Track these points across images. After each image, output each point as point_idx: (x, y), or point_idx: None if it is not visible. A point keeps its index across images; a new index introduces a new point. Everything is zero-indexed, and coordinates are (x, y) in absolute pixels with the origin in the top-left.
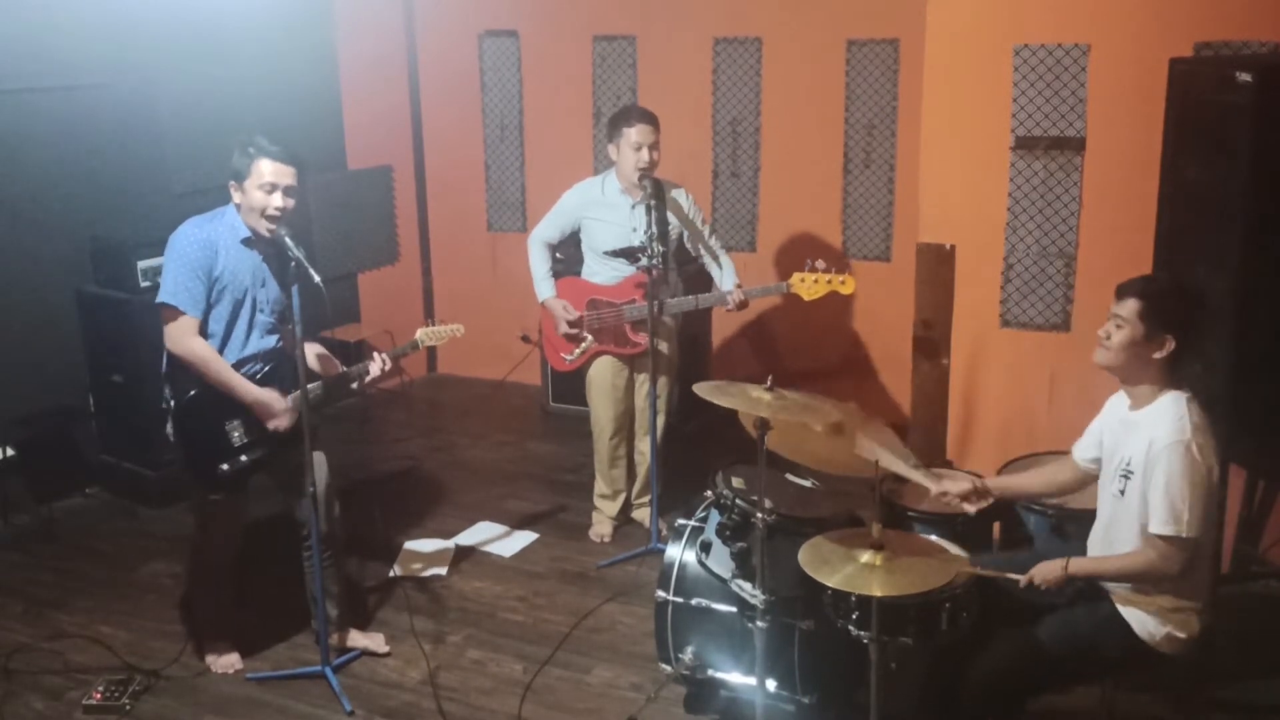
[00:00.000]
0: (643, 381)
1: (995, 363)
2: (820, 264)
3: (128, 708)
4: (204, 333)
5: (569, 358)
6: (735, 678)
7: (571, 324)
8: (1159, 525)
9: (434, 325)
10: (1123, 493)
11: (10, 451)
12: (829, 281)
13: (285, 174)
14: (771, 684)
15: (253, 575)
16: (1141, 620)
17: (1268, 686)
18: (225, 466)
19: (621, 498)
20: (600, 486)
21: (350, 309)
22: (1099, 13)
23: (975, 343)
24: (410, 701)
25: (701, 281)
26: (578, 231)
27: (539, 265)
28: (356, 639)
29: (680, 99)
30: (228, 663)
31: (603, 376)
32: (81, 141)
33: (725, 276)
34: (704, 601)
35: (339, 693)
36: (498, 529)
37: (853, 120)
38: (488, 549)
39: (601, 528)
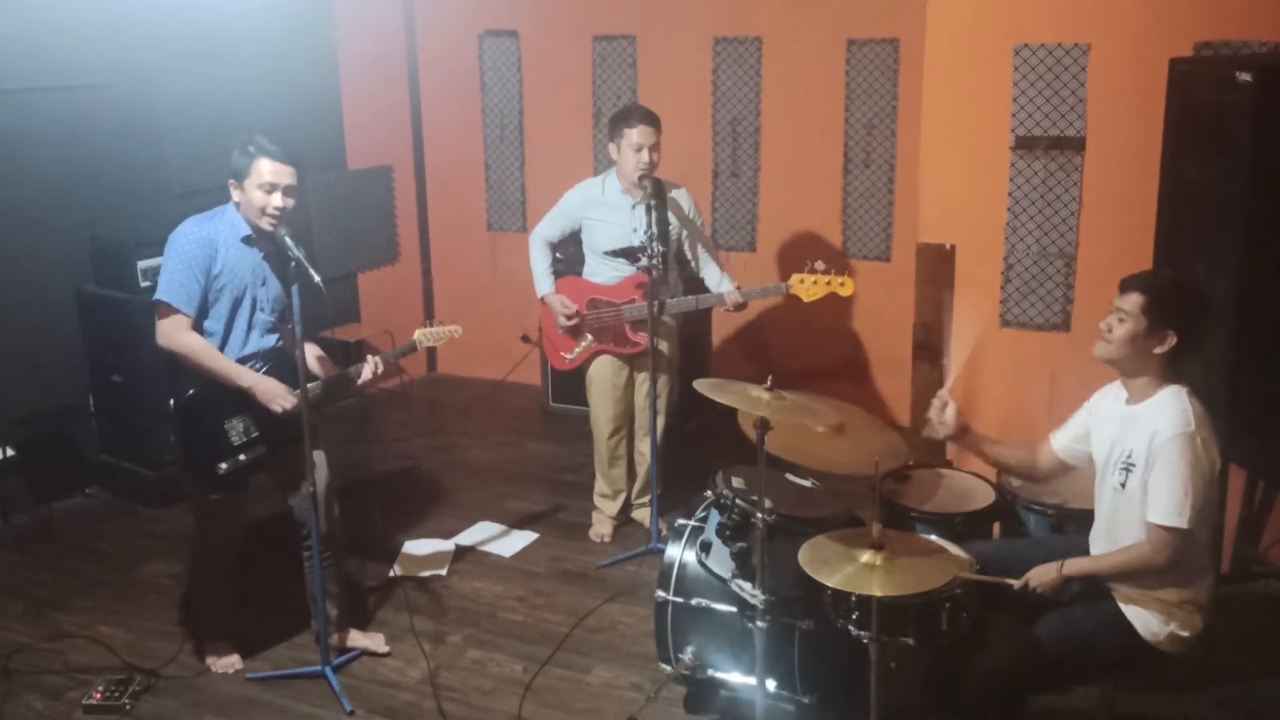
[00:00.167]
0: (642, 380)
1: (995, 363)
2: (819, 265)
3: (128, 708)
4: (202, 331)
5: (569, 356)
6: (735, 678)
7: (570, 317)
8: (1159, 515)
9: (432, 326)
10: (1124, 485)
11: (10, 451)
12: (828, 283)
13: (285, 174)
14: (771, 684)
15: (253, 575)
16: (1145, 619)
17: (1268, 686)
18: (224, 466)
19: (622, 497)
20: (600, 486)
21: (350, 309)
22: (1099, 13)
23: (975, 343)
24: (410, 701)
25: (700, 282)
26: (578, 231)
27: (539, 263)
28: (356, 639)
29: (680, 99)
30: (228, 663)
31: (602, 375)
32: (81, 141)
33: (720, 280)
34: (704, 601)
35: (339, 693)
36: (498, 529)
37: (853, 120)
38: (488, 549)
39: (601, 528)
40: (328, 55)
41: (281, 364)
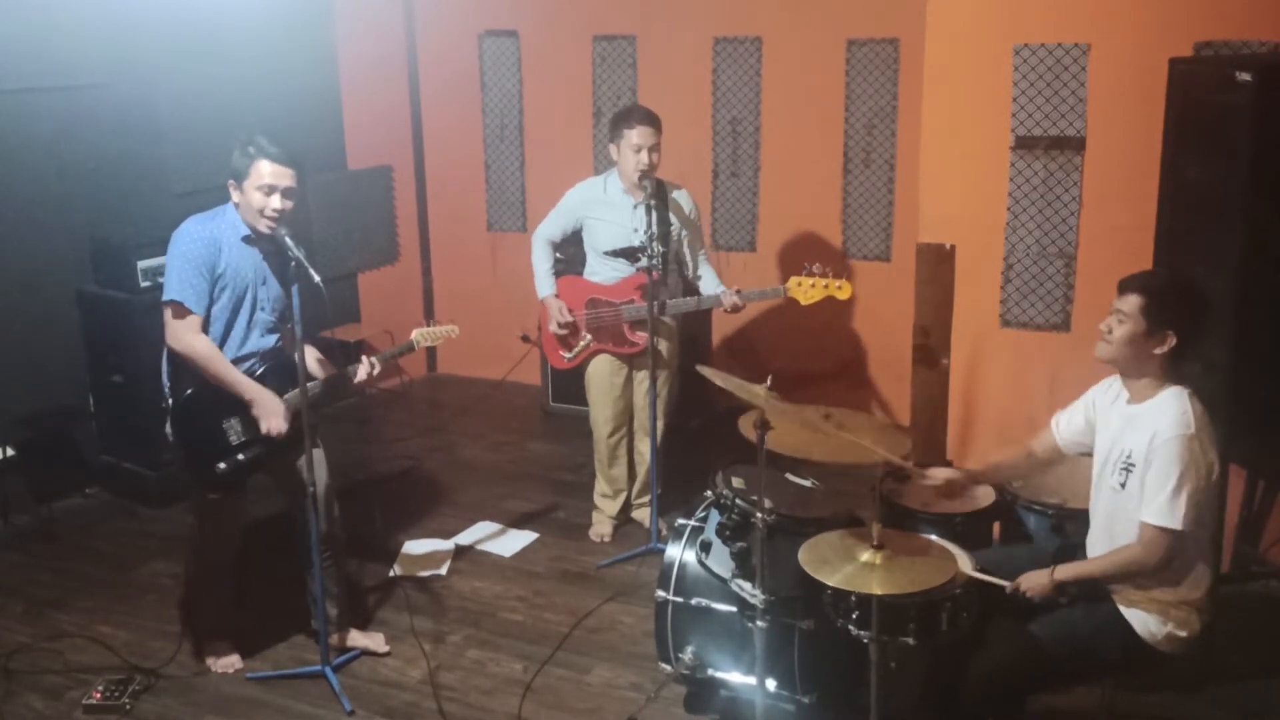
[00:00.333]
0: (641, 380)
1: (995, 363)
2: (817, 268)
3: (128, 707)
4: (205, 330)
5: (568, 355)
6: (735, 677)
7: (563, 325)
8: (1153, 515)
9: (430, 326)
10: (1123, 485)
11: (10, 451)
12: (825, 286)
13: (284, 176)
14: (771, 684)
15: (253, 575)
16: (1143, 619)
17: (1268, 686)
18: (223, 465)
19: (622, 497)
20: (600, 485)
21: (350, 309)
22: (1099, 13)
23: (975, 343)
24: (410, 701)
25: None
26: (580, 230)
27: (540, 263)
28: (356, 639)
29: (680, 99)
30: (228, 663)
31: (601, 374)
32: (81, 141)
33: (715, 285)
34: (704, 601)
35: (339, 692)
36: (497, 529)
37: (853, 120)
38: (488, 549)
39: (601, 527)
40: (328, 55)
41: (280, 364)
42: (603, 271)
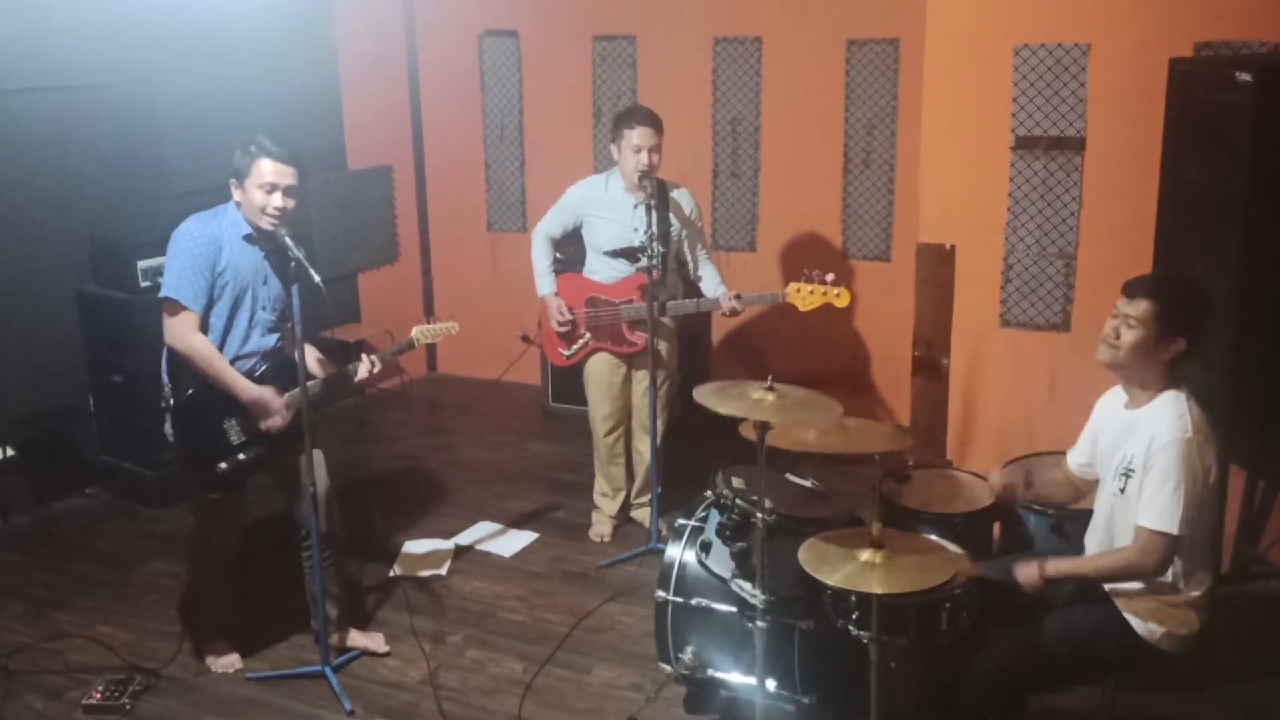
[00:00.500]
0: (640, 379)
1: (995, 363)
2: (816, 274)
3: (128, 708)
4: (203, 328)
5: (566, 353)
6: (735, 678)
7: (563, 323)
8: (1149, 519)
9: (430, 323)
10: (1123, 490)
11: (10, 451)
12: (824, 293)
13: (286, 174)
14: (771, 684)
15: (253, 575)
16: (1141, 618)
17: (1268, 686)
18: (224, 465)
19: (621, 496)
20: (600, 484)
21: (350, 309)
22: (1099, 13)
23: (975, 343)
24: (410, 701)
25: (696, 285)
26: (580, 228)
27: (540, 260)
28: (356, 639)
29: (680, 99)
30: (227, 663)
31: (600, 372)
32: (81, 141)
33: (716, 286)
34: (704, 601)
35: (339, 693)
36: (498, 529)
37: (853, 120)
38: (487, 549)
39: (601, 527)
40: (328, 55)
41: (280, 363)
42: (603, 270)
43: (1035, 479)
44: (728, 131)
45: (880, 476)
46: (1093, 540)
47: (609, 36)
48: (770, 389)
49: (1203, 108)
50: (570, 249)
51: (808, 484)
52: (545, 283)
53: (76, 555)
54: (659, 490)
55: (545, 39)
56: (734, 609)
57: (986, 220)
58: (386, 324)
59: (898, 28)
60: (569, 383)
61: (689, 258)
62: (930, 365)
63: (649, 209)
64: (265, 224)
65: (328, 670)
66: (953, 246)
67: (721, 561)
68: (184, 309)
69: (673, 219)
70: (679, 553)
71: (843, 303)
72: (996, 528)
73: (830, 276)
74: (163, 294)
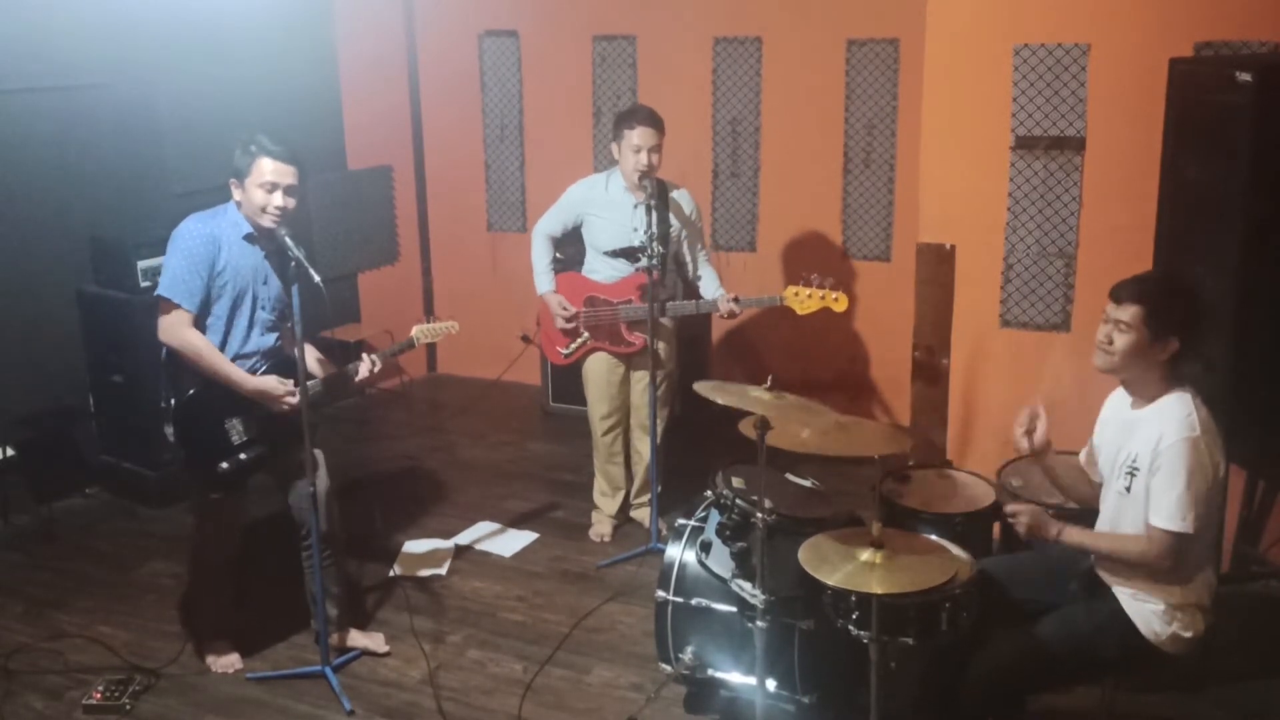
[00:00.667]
0: (638, 379)
1: (995, 363)
2: (815, 278)
3: (128, 708)
4: (203, 328)
5: (564, 352)
6: (735, 678)
7: (568, 318)
8: (1161, 519)
9: (430, 323)
10: (1128, 489)
11: (10, 451)
12: (822, 297)
13: (286, 173)
14: (771, 684)
15: (253, 575)
16: (1146, 619)
17: (1268, 687)
18: (224, 465)
19: (621, 495)
20: (599, 484)
21: (350, 309)
22: (1099, 13)
23: (975, 343)
24: (410, 701)
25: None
26: (580, 227)
27: (540, 258)
28: (356, 639)
29: (680, 99)
30: (228, 663)
31: (598, 371)
32: (81, 141)
33: (715, 288)
34: (704, 601)
35: (339, 693)
36: (498, 529)
37: (853, 120)
38: (487, 549)
39: (601, 527)
40: (328, 55)
41: (281, 363)
42: (602, 270)
43: (1058, 475)
44: (728, 131)
45: (880, 476)
46: None
47: (609, 36)
48: (769, 389)
49: (1203, 108)
50: (570, 248)
51: (808, 484)
52: (544, 281)
53: (76, 555)
54: (659, 490)
55: (545, 39)
56: (734, 609)
57: (986, 220)
58: (386, 324)
59: (898, 28)
60: (569, 382)
61: (688, 259)
62: (930, 365)
63: (649, 209)
64: (265, 223)
65: (328, 670)
66: (953, 246)
67: (721, 561)
68: (176, 307)
69: (672, 219)
70: (679, 553)
71: (841, 307)
72: (996, 528)
73: (829, 281)
74: (158, 292)
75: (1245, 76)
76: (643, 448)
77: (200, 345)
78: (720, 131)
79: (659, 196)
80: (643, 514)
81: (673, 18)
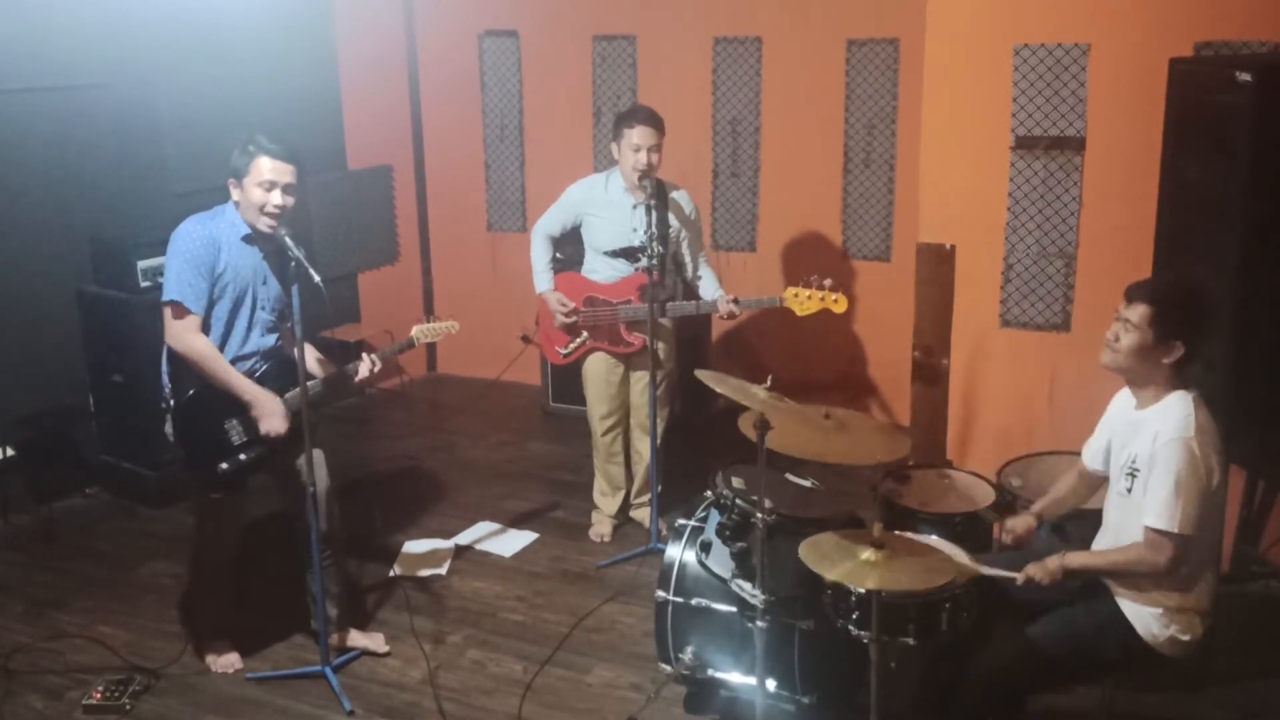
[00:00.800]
0: (638, 378)
1: (995, 363)
2: (814, 279)
3: (128, 708)
4: (205, 329)
5: (563, 351)
6: (735, 678)
7: (568, 315)
8: (1153, 519)
9: (430, 322)
10: (1129, 491)
11: (10, 451)
12: (821, 299)
13: (284, 172)
14: (771, 684)
15: (253, 575)
16: (1145, 621)
17: (1268, 686)
18: (225, 465)
19: (620, 495)
20: (599, 483)
21: (350, 309)
22: (1099, 13)
23: (975, 343)
24: (410, 701)
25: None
26: (579, 227)
27: (539, 258)
28: (356, 639)
29: (680, 99)
30: (227, 662)
31: (597, 371)
32: (81, 141)
33: (715, 289)
34: (704, 601)
35: (339, 693)
36: (498, 529)
37: (853, 120)
38: (487, 549)
39: (601, 527)
40: (328, 55)
41: (281, 363)
42: (601, 270)
43: (1045, 511)
44: (728, 131)
45: (880, 476)
46: (1102, 542)
47: (609, 36)
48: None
49: (1203, 108)
50: (569, 248)
51: (808, 484)
52: (543, 280)
53: (76, 555)
54: (659, 490)
55: (545, 39)
56: (734, 609)
57: (986, 220)
58: (386, 324)
59: (898, 28)
60: (569, 382)
61: (687, 259)
62: (930, 365)
63: (649, 209)
64: (264, 223)
65: (328, 670)
66: (953, 246)
67: (721, 561)
68: (187, 311)
69: (672, 220)
70: (679, 553)
71: (840, 308)
72: (996, 528)
73: (828, 282)
74: (164, 297)
75: (1245, 76)
76: (642, 448)
77: (207, 352)
78: (720, 131)
79: (658, 196)
80: (643, 514)
81: (673, 18)
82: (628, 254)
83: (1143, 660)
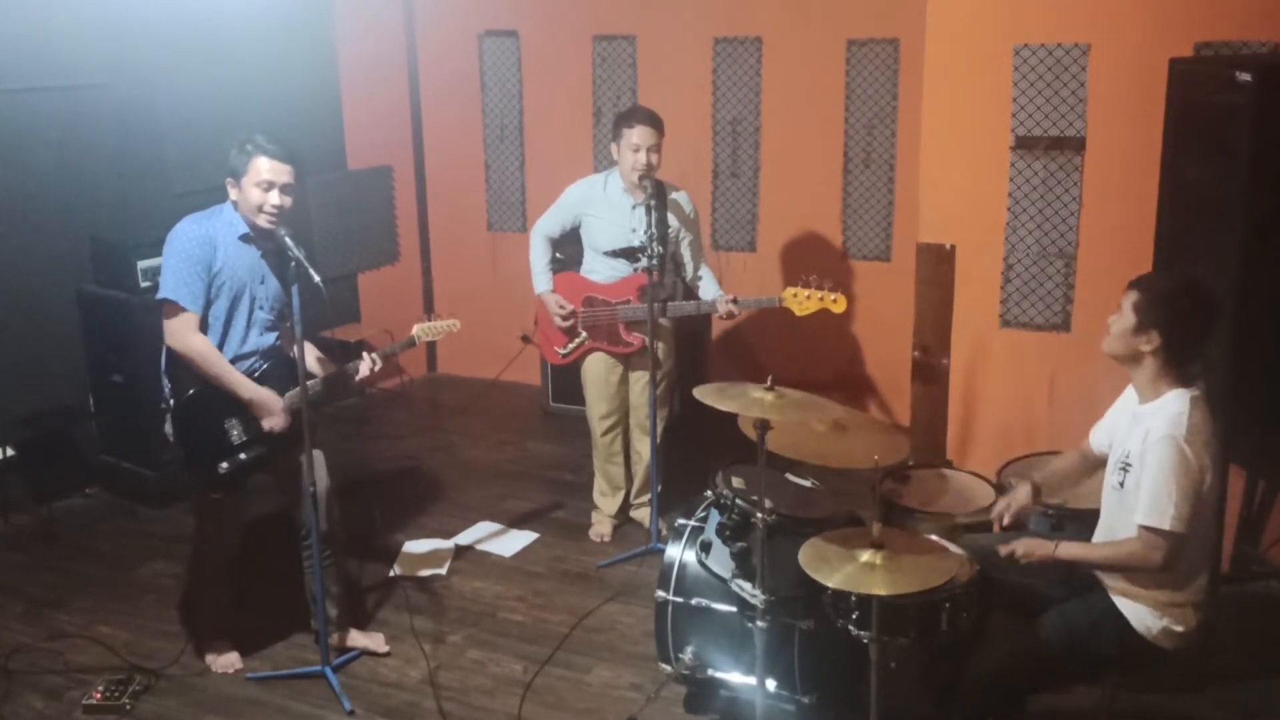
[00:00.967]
0: (637, 379)
1: (995, 363)
2: (814, 280)
3: (128, 708)
4: (203, 329)
5: (562, 352)
6: (735, 678)
7: (565, 317)
8: (1144, 516)
9: (431, 321)
10: (1122, 485)
11: (10, 451)
12: (820, 299)
13: (282, 172)
14: (771, 684)
15: (253, 575)
16: (1138, 614)
17: (1268, 686)
18: (225, 465)
19: (620, 494)
20: (599, 483)
21: (350, 309)
22: (1099, 13)
23: (975, 343)
24: (410, 701)
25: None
26: (579, 228)
27: (538, 258)
28: (356, 639)
29: (680, 99)
30: (227, 662)
31: (596, 372)
32: (81, 141)
33: (714, 289)
34: (704, 601)
35: (339, 693)
36: (498, 529)
37: (853, 120)
38: (487, 549)
39: (601, 527)
40: (328, 55)
41: (280, 362)
42: (601, 270)
43: (1043, 486)
44: (728, 131)
45: (880, 476)
46: (1098, 536)
47: (609, 36)
48: (769, 389)
49: (1203, 108)
50: (569, 248)
51: (808, 484)
52: (542, 280)
53: (76, 555)
54: (659, 490)
55: (545, 39)
56: (734, 609)
57: (986, 220)
58: (386, 324)
59: (898, 28)
60: (569, 382)
61: (687, 260)
62: (930, 365)
63: (648, 209)
64: (263, 222)
65: (328, 670)
66: (953, 246)
67: (721, 561)
68: (183, 310)
69: (671, 220)
70: (679, 553)
71: (839, 309)
72: (996, 527)
73: (827, 282)
74: (160, 295)
75: (1245, 76)
76: (642, 448)
77: (205, 351)
78: (720, 131)
79: (658, 197)
80: (643, 514)
81: (673, 18)
82: (627, 254)
83: (1139, 654)
